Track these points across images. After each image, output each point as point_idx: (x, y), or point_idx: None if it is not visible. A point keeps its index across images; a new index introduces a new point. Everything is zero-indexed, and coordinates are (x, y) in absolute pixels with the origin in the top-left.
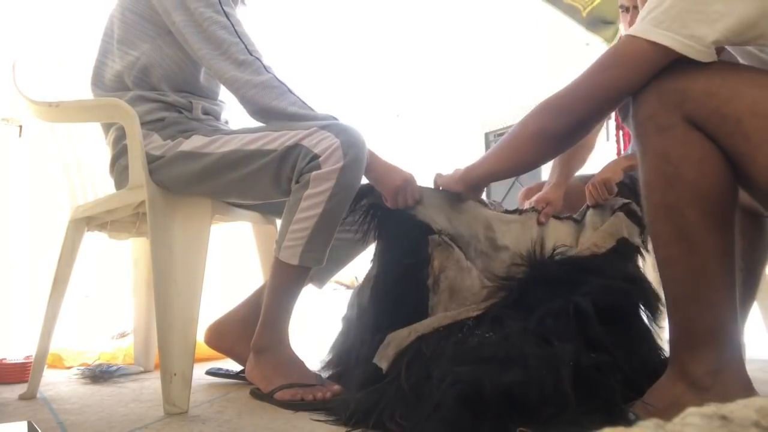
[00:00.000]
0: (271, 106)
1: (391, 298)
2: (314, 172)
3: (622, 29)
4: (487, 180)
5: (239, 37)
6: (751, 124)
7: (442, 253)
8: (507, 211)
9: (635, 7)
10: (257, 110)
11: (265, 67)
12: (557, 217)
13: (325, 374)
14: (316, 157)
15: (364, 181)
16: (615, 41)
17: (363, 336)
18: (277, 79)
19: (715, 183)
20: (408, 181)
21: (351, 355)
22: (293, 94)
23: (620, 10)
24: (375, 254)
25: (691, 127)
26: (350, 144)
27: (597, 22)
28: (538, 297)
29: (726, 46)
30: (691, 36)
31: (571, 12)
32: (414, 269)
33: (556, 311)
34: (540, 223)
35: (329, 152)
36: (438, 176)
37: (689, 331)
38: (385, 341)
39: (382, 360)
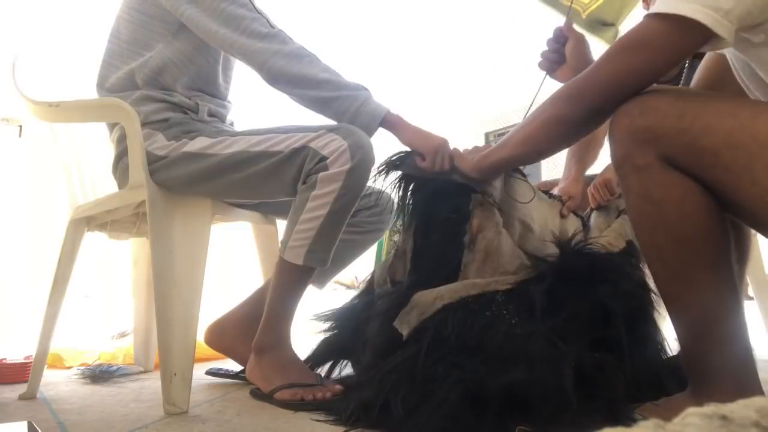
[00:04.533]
0: (303, 73)
1: (429, 251)
2: (322, 174)
3: (622, 31)
4: (501, 168)
5: (258, 12)
6: (729, 155)
7: (483, 213)
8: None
9: None
10: (287, 79)
11: (290, 37)
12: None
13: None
14: (324, 158)
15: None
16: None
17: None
18: (305, 48)
19: (699, 220)
20: (447, 142)
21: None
22: (321, 62)
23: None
24: (411, 210)
25: (668, 165)
26: (358, 146)
27: (596, 24)
28: (569, 290)
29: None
30: (718, 8)
31: (571, 14)
32: (453, 223)
33: (585, 312)
34: (562, 216)
35: (337, 154)
36: (458, 155)
37: (701, 363)
38: (409, 304)
39: (403, 325)
